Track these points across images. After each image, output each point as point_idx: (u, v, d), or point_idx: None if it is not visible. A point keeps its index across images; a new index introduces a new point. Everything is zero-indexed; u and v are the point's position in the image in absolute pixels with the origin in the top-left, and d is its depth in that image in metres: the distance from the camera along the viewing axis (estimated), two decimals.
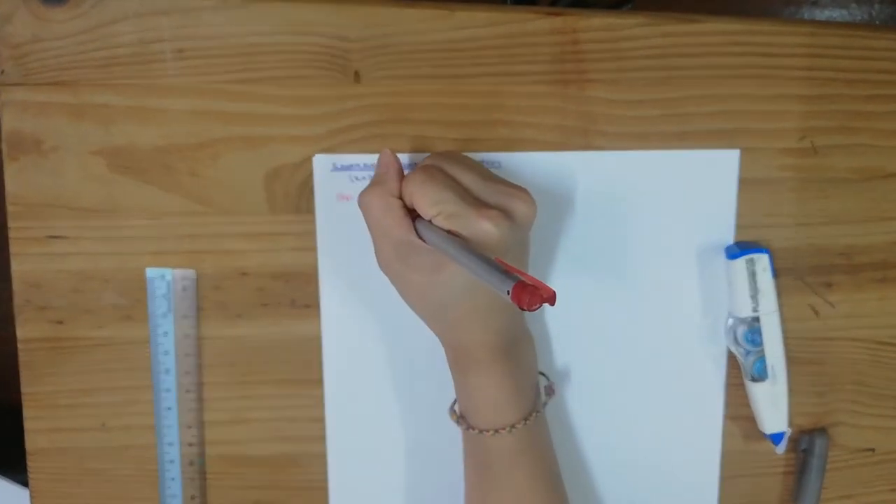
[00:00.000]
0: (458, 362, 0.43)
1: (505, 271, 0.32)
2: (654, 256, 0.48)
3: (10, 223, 0.45)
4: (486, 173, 0.42)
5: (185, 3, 0.44)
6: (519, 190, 0.41)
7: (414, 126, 0.46)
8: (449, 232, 0.39)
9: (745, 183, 0.48)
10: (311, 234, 0.46)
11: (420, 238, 0.41)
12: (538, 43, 0.45)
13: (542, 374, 0.47)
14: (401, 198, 0.41)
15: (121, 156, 0.45)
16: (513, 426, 0.42)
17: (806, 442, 0.51)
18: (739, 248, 0.47)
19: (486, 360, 0.42)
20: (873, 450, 0.52)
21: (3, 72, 0.44)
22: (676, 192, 0.48)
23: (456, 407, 0.45)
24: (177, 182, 0.45)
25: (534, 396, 0.44)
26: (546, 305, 0.31)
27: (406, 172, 0.43)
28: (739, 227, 0.48)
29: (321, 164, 0.46)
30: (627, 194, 0.47)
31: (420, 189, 0.40)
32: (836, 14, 1.27)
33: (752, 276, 0.47)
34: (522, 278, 0.30)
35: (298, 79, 0.45)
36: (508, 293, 0.30)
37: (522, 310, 0.29)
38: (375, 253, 0.43)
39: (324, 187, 0.46)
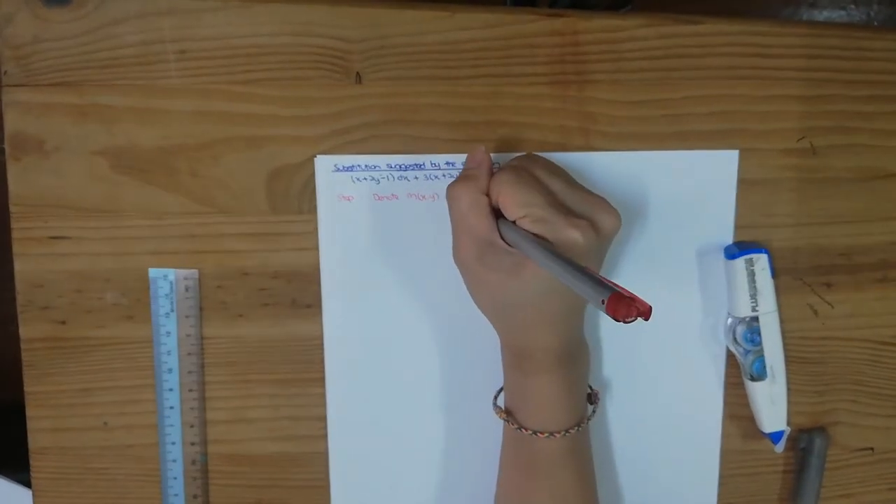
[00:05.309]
0: (519, 364, 0.43)
1: (600, 281, 0.31)
2: (654, 256, 0.48)
3: (13, 223, 0.45)
4: (571, 180, 0.42)
5: (186, 5, 0.44)
6: (604, 201, 0.41)
7: (415, 127, 0.46)
8: (534, 236, 0.39)
9: (744, 183, 0.48)
10: (313, 234, 0.47)
11: (502, 238, 0.41)
12: (538, 44, 0.45)
13: None
14: (487, 195, 0.41)
15: (123, 156, 0.45)
16: (567, 431, 0.42)
17: (805, 441, 0.51)
18: (738, 248, 0.47)
19: (549, 365, 0.42)
20: (872, 449, 0.52)
21: (6, 72, 0.44)
22: (676, 193, 0.48)
23: (500, 404, 0.46)
24: (179, 182, 0.46)
25: (585, 402, 0.45)
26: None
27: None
28: (738, 227, 0.48)
29: (323, 164, 0.46)
30: (627, 195, 0.47)
31: (509, 189, 0.40)
32: (834, 15, 1.27)
33: (752, 275, 0.47)
34: (618, 289, 0.30)
35: (300, 80, 0.45)
36: (603, 303, 0.30)
37: (616, 321, 0.29)
38: (453, 246, 0.43)
39: (326, 188, 0.46)
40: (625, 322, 0.29)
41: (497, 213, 0.41)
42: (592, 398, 0.46)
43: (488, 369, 0.48)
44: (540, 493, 0.44)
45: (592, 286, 0.31)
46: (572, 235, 0.39)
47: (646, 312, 0.29)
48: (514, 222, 0.40)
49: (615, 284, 0.31)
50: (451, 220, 0.43)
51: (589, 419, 0.45)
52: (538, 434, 0.43)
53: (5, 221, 0.45)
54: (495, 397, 0.46)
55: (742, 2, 1.26)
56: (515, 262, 0.40)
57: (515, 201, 0.39)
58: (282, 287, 0.47)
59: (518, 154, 0.45)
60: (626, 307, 0.29)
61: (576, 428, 0.43)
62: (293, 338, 0.48)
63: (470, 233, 0.41)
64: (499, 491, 0.46)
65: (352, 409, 0.49)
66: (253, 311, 0.47)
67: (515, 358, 0.44)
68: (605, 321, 0.49)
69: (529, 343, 0.42)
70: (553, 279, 0.39)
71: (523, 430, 0.43)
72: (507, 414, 0.45)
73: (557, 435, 0.42)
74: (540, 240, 0.39)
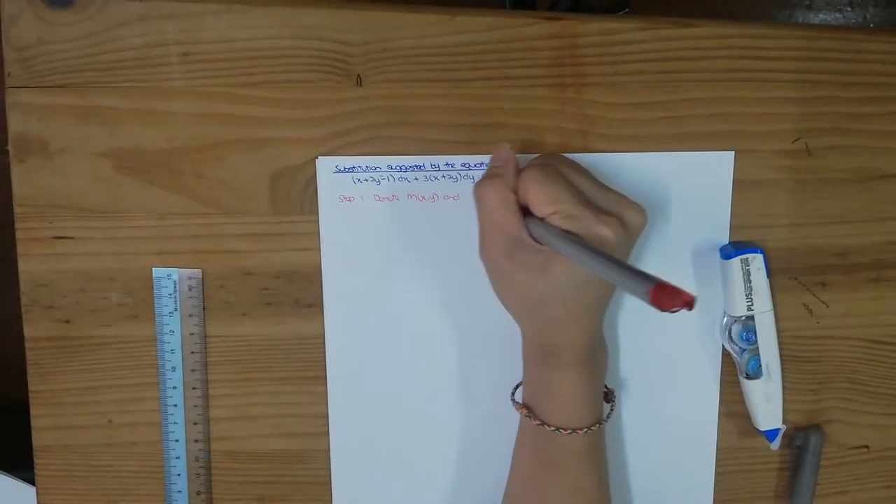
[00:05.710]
0: (543, 360, 0.43)
1: (643, 273, 0.31)
2: (651, 256, 0.49)
3: (17, 224, 0.46)
4: (596, 179, 0.42)
5: (189, 8, 0.44)
6: (630, 200, 0.41)
7: (415, 129, 0.46)
8: (564, 232, 0.39)
9: (739, 184, 0.48)
10: (314, 234, 0.47)
11: (530, 236, 0.41)
12: (537, 47, 0.46)
13: None
14: (515, 193, 0.41)
15: (126, 157, 0.46)
16: (589, 428, 0.43)
17: (800, 439, 0.51)
18: (734, 248, 0.48)
19: (574, 361, 0.42)
20: (867, 447, 0.52)
21: (9, 74, 0.44)
22: (672, 193, 0.48)
23: (518, 399, 0.46)
24: (182, 183, 0.46)
25: (603, 399, 0.45)
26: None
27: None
28: (734, 227, 0.49)
29: (324, 166, 0.46)
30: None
31: (537, 187, 0.40)
32: (830, 17, 1.28)
33: (747, 275, 0.47)
34: (662, 280, 0.30)
35: (301, 82, 0.45)
36: (647, 294, 0.29)
37: (661, 311, 0.29)
38: (480, 243, 0.43)
39: (327, 189, 0.46)
40: (670, 312, 0.29)
41: (524, 211, 0.41)
42: (608, 396, 0.46)
43: (487, 368, 0.48)
44: (561, 489, 0.44)
45: (635, 279, 0.31)
46: (602, 231, 0.39)
47: (690, 302, 0.29)
48: (542, 219, 0.40)
49: (657, 277, 0.31)
50: (479, 218, 0.43)
51: (608, 417, 0.45)
52: (561, 430, 0.42)
53: (9, 222, 0.46)
54: (513, 393, 0.47)
55: (738, 5, 1.26)
56: (544, 258, 0.40)
57: (545, 198, 0.40)
58: (284, 287, 0.48)
59: (536, 154, 0.45)
60: (672, 298, 0.29)
61: (597, 425, 0.43)
62: (295, 337, 0.48)
63: (498, 230, 0.41)
64: (512, 486, 0.46)
65: (352, 406, 0.49)
66: (256, 311, 0.48)
67: (540, 354, 0.43)
68: (605, 321, 0.49)
69: (557, 339, 0.42)
70: (582, 275, 0.39)
71: (545, 427, 0.43)
72: (527, 409, 0.44)
73: (580, 432, 0.42)
74: (570, 236, 0.39)
